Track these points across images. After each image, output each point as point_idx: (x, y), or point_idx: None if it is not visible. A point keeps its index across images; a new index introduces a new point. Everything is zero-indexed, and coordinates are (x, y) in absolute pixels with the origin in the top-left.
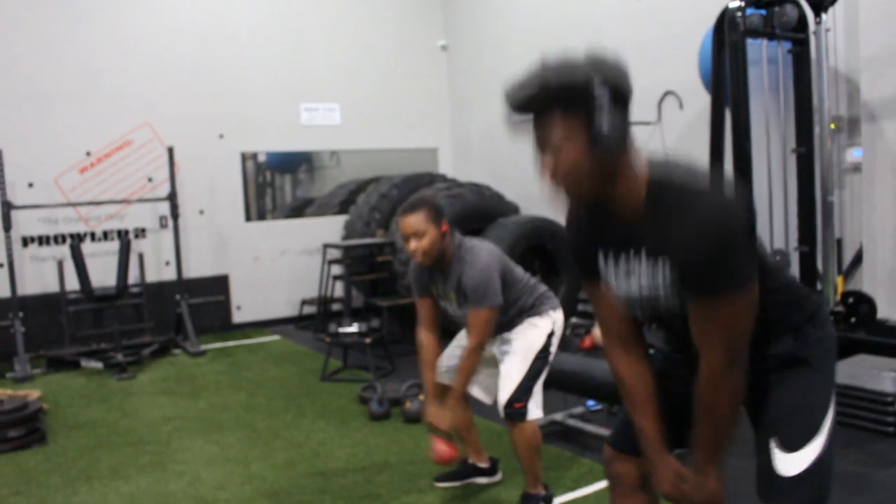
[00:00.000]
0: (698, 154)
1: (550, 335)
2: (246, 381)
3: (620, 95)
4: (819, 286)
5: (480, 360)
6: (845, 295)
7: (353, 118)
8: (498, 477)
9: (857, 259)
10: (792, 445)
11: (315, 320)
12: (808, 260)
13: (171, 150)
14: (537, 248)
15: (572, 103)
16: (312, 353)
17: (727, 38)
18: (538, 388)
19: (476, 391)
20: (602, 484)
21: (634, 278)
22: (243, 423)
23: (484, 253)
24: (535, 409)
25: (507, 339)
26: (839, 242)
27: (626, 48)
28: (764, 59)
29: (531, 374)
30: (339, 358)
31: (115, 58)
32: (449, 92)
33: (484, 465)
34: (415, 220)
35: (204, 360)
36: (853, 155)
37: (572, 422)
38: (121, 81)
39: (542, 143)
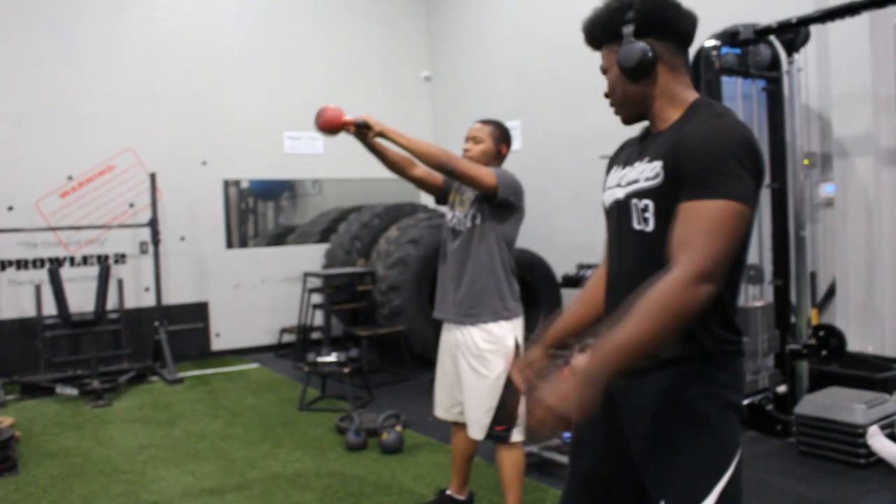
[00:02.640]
0: None
1: (515, 348)
2: (223, 409)
3: (653, 27)
4: (793, 319)
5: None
6: (816, 328)
7: (336, 147)
8: None
9: (830, 292)
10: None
11: (294, 349)
12: (782, 293)
13: (153, 176)
14: (518, 280)
15: (606, 37)
16: (291, 382)
17: (703, 76)
18: (522, 411)
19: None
20: None
21: (624, 179)
22: (219, 452)
23: (515, 177)
24: (518, 433)
25: (472, 353)
26: (813, 276)
27: (603, 81)
28: (738, 96)
29: (501, 397)
30: (317, 387)
31: (99, 83)
32: (432, 123)
33: (461, 497)
34: (480, 128)
35: (181, 387)
36: (826, 190)
37: (548, 454)
38: (104, 106)
39: (602, 71)
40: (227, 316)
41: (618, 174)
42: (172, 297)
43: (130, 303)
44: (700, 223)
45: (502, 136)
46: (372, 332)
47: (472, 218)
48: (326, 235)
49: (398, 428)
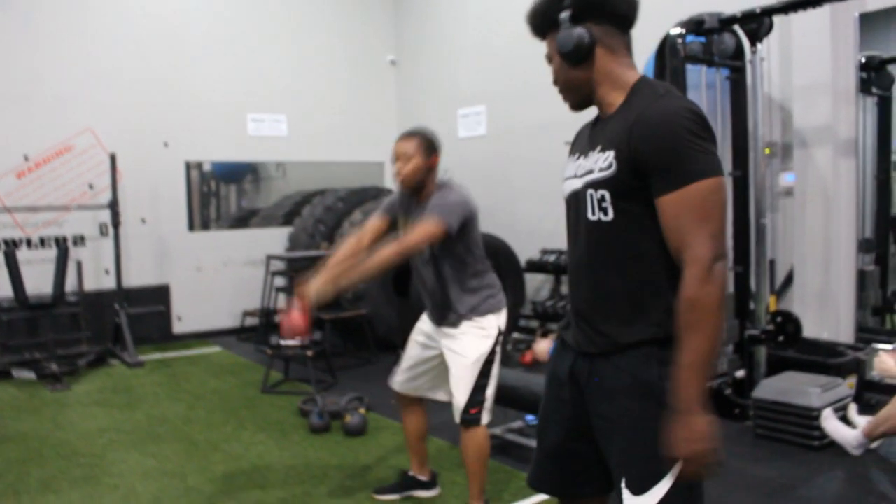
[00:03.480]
0: None
1: (498, 335)
2: (185, 392)
3: (590, 11)
4: (752, 305)
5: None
6: (774, 314)
7: (300, 130)
8: (437, 491)
9: (789, 280)
10: (638, 488)
11: (257, 332)
12: (741, 280)
13: (113, 157)
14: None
15: (547, 25)
16: (254, 366)
17: (668, 64)
18: (490, 393)
19: (439, 395)
20: (539, 497)
21: (580, 169)
22: (181, 435)
23: (462, 193)
24: (486, 415)
25: (453, 336)
26: (772, 263)
27: None
28: (703, 84)
29: (482, 379)
30: (280, 370)
31: (58, 62)
32: (397, 106)
33: (424, 478)
34: (406, 145)
35: (142, 371)
36: (786, 179)
37: (511, 436)
38: (63, 86)
39: (547, 59)
40: (189, 299)
41: (574, 164)
42: (133, 279)
43: (90, 285)
44: (688, 213)
45: (430, 147)
46: (335, 316)
47: (430, 253)
48: (290, 219)
49: (361, 410)
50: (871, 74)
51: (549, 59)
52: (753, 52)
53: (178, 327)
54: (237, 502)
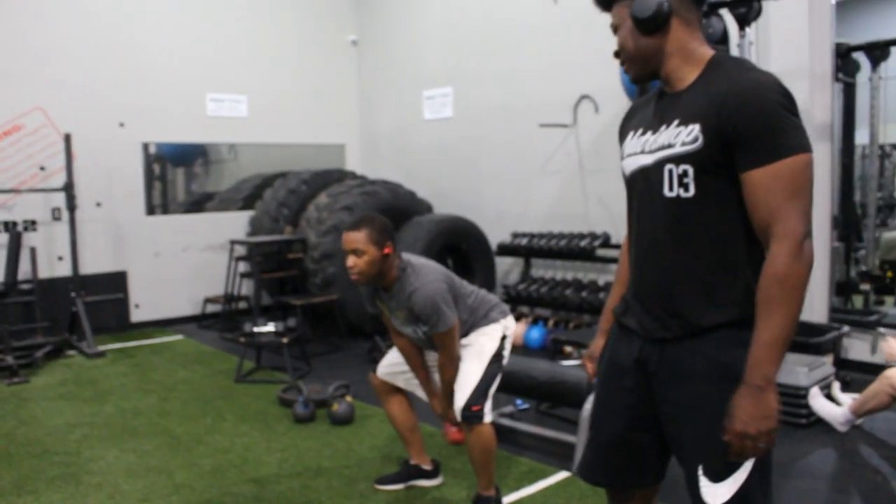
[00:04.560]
0: (613, 157)
1: (503, 339)
2: (154, 383)
3: None
4: None
5: (457, 367)
6: None
7: (261, 111)
8: (440, 480)
9: None
10: (718, 475)
11: (220, 319)
12: None
13: (68, 137)
14: (453, 248)
15: None
16: (221, 354)
17: None
18: (492, 392)
19: (420, 392)
20: (546, 482)
21: (651, 144)
22: (159, 428)
23: (431, 278)
24: (489, 413)
25: (461, 345)
26: None
27: (541, 51)
28: None
29: (486, 378)
30: (251, 359)
31: (4, 36)
32: (358, 88)
33: (427, 467)
34: (356, 238)
35: (103, 361)
36: None
37: (503, 421)
38: (10, 62)
39: (613, 30)
40: (148, 286)
41: (639, 140)
42: (89, 266)
43: (44, 273)
44: (780, 188)
45: (381, 236)
46: (306, 301)
47: (422, 331)
48: (250, 202)
49: (348, 398)
50: (838, 61)
51: (615, 28)
52: (742, 37)
53: (137, 315)
54: (233, 498)
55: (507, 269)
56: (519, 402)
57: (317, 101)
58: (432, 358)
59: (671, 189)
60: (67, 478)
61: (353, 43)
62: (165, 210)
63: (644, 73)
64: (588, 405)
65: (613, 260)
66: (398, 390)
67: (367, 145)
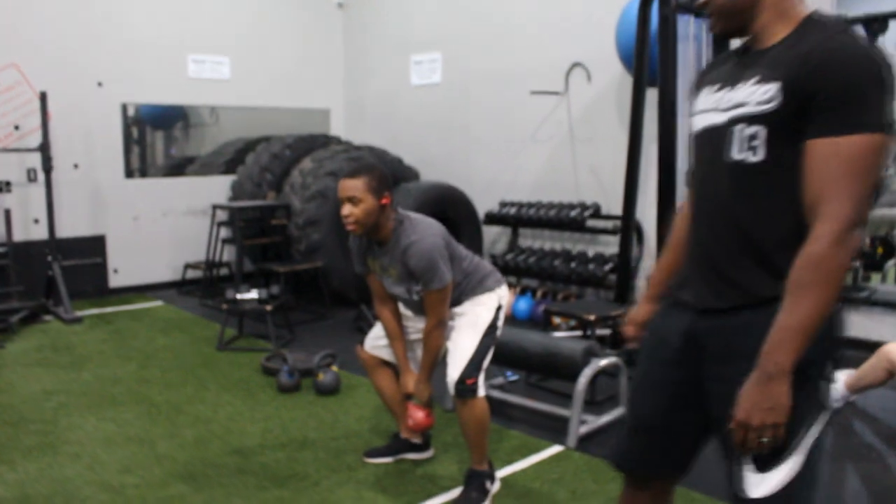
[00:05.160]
0: (605, 126)
1: (498, 309)
2: (133, 350)
3: None
4: None
5: (445, 336)
6: None
7: (243, 73)
8: (430, 453)
9: None
10: (765, 464)
11: (201, 285)
12: None
13: (43, 96)
14: (440, 216)
15: None
16: (201, 320)
17: (659, 13)
18: (486, 365)
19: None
20: (540, 456)
21: (725, 102)
22: (138, 397)
23: (429, 232)
24: (482, 386)
25: (453, 315)
26: None
27: (533, 16)
28: (691, 35)
29: (481, 350)
30: (232, 326)
31: None
32: (344, 51)
33: (416, 440)
34: (353, 185)
35: (81, 327)
36: None
37: (493, 393)
38: None
39: None
40: (126, 250)
41: (713, 96)
42: (66, 229)
43: (19, 236)
44: (840, 166)
45: (380, 185)
46: (290, 269)
47: (414, 292)
48: (232, 167)
49: (334, 368)
50: None
51: None
52: None
53: (115, 280)
54: (216, 470)
55: (494, 238)
56: (509, 373)
57: (301, 65)
58: (415, 328)
59: (739, 151)
60: (44, 447)
61: (339, 5)
62: (145, 173)
63: (733, 27)
64: (583, 378)
65: (603, 231)
66: (386, 363)
67: (353, 110)
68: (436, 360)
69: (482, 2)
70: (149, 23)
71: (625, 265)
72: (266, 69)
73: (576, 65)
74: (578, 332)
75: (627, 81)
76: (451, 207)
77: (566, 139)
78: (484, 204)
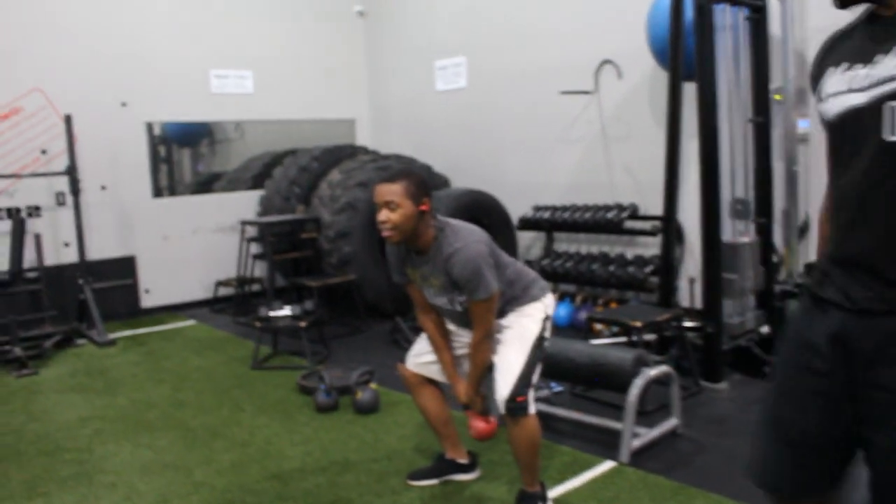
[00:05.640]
0: (639, 124)
1: (545, 320)
2: (167, 372)
3: None
4: (775, 258)
5: (492, 348)
6: (808, 266)
7: (266, 86)
8: (477, 473)
9: (804, 230)
10: None
11: (233, 303)
12: (764, 231)
13: (68, 119)
14: (472, 223)
15: None
16: (234, 339)
17: (694, 3)
18: (535, 381)
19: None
20: (592, 473)
21: (865, 79)
22: (174, 421)
23: (472, 239)
24: (533, 403)
25: (499, 327)
26: (786, 214)
27: (558, 17)
28: (728, 25)
29: (530, 365)
30: (266, 343)
31: (0, 14)
32: (367, 60)
33: (463, 460)
34: (390, 190)
35: (115, 350)
36: (800, 126)
37: (540, 406)
38: (6, 41)
39: None
40: (157, 270)
41: (844, 76)
42: (96, 251)
43: (50, 260)
44: None
45: (419, 191)
46: (322, 283)
47: (458, 302)
48: (259, 181)
49: (373, 386)
50: None
51: None
52: None
53: (147, 301)
54: (255, 497)
55: (529, 243)
56: (553, 384)
57: (324, 76)
58: (460, 342)
59: (894, 132)
60: (80, 477)
61: (360, 14)
62: (172, 192)
63: None
64: (635, 389)
65: (642, 232)
66: (430, 381)
67: (378, 119)
68: (483, 374)
69: (505, 3)
70: (170, 40)
71: (667, 267)
72: (289, 82)
73: (605, 62)
74: (622, 339)
75: (660, 76)
76: (484, 214)
77: (598, 139)
78: (517, 209)
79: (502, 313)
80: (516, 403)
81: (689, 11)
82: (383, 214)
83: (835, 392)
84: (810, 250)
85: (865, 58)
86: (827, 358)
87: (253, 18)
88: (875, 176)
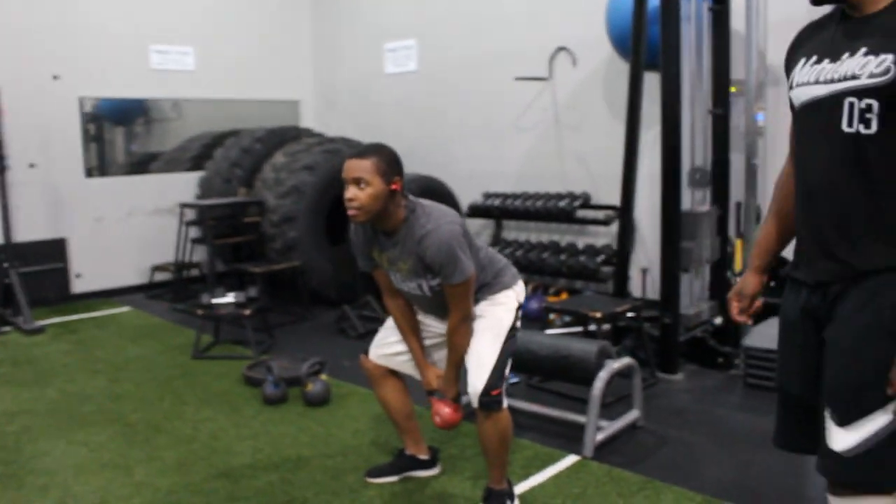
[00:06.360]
0: (593, 112)
1: (517, 309)
2: (102, 362)
3: None
4: (730, 249)
5: (471, 331)
6: None
7: (208, 64)
8: (438, 469)
9: (758, 221)
10: (843, 419)
11: (171, 289)
12: (721, 222)
13: None
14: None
15: None
16: (173, 326)
17: None
18: (508, 373)
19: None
20: (556, 468)
21: (830, 73)
22: (111, 415)
23: (445, 220)
24: (506, 397)
25: (478, 310)
26: (738, 206)
27: (514, 2)
28: (691, 15)
29: (503, 357)
30: (208, 332)
31: None
32: (313, 40)
33: (423, 456)
34: (360, 166)
35: (44, 338)
36: (756, 119)
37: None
38: None
39: None
40: (89, 254)
41: (813, 68)
42: (23, 233)
43: None
44: None
45: (390, 168)
46: (267, 269)
47: (428, 287)
48: (199, 163)
49: (323, 377)
50: None
51: None
52: None
53: (78, 286)
54: (204, 499)
55: (477, 231)
56: (511, 375)
57: (269, 55)
58: (430, 332)
59: (850, 124)
60: (7, 479)
61: None
62: (106, 172)
63: None
64: (599, 382)
65: (594, 221)
66: (393, 374)
67: (323, 101)
68: (463, 359)
69: None
70: (108, 12)
71: (624, 257)
72: (233, 60)
73: (560, 49)
74: (577, 329)
75: (616, 65)
76: (439, 200)
77: (552, 127)
78: (467, 196)
79: (474, 301)
80: (490, 397)
81: (652, 1)
82: (351, 192)
83: (810, 359)
84: None
85: (833, 54)
86: (800, 330)
87: None
88: (833, 164)
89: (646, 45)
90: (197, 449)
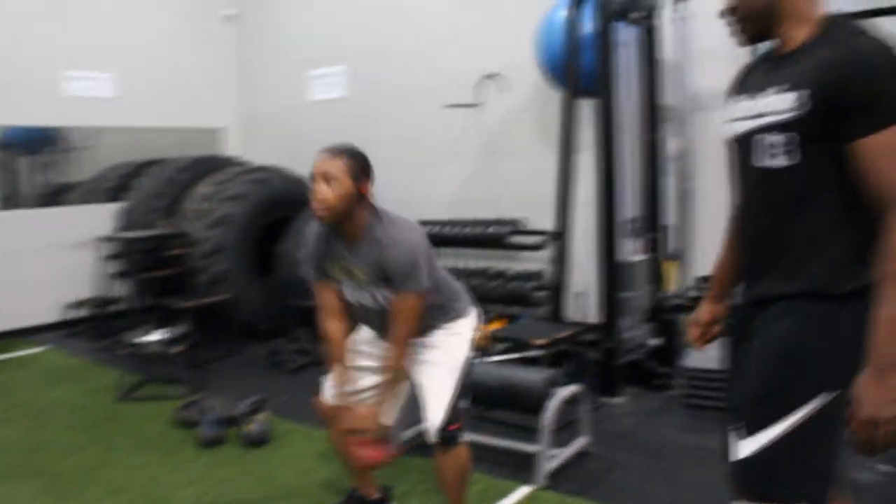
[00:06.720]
0: (523, 138)
1: (472, 340)
2: (19, 408)
3: None
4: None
5: (410, 357)
6: (702, 280)
7: (128, 91)
8: None
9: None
10: (745, 430)
11: (91, 326)
12: (654, 245)
13: None
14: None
15: None
16: (96, 366)
17: (596, 21)
18: (462, 405)
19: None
20: (510, 500)
21: (751, 110)
22: (33, 467)
23: (414, 234)
24: (465, 432)
25: (427, 346)
26: (665, 228)
27: (446, 27)
28: (623, 42)
29: (459, 389)
30: (134, 371)
31: None
32: (237, 66)
33: (375, 496)
34: (331, 164)
35: None
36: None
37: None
38: None
39: None
40: (2, 291)
41: (739, 105)
42: None
43: None
44: (893, 155)
45: (360, 172)
46: (196, 303)
47: (382, 297)
48: (117, 193)
49: (262, 415)
50: None
51: None
52: (675, 11)
53: None
54: None
55: None
56: None
57: (191, 81)
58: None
59: (761, 159)
60: None
61: (228, 18)
62: (16, 204)
63: (756, 33)
64: (549, 412)
65: (527, 247)
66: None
67: (248, 129)
68: (395, 388)
69: (389, 11)
70: (19, 35)
71: (559, 283)
72: (153, 86)
73: (490, 75)
74: (515, 355)
75: (546, 91)
76: None
77: (483, 153)
78: None
79: (429, 328)
80: (449, 433)
81: (585, 28)
82: (320, 189)
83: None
84: (696, 264)
85: (755, 91)
86: (735, 355)
87: (114, 15)
88: (748, 197)
89: (579, 71)
90: (133, 499)
